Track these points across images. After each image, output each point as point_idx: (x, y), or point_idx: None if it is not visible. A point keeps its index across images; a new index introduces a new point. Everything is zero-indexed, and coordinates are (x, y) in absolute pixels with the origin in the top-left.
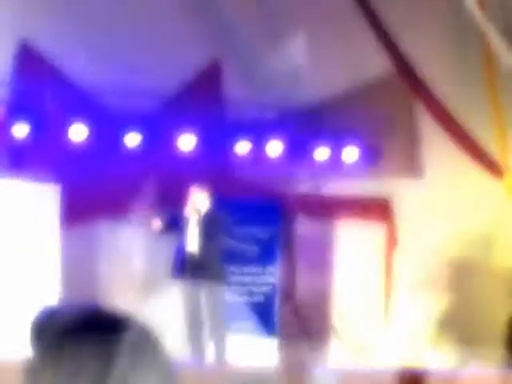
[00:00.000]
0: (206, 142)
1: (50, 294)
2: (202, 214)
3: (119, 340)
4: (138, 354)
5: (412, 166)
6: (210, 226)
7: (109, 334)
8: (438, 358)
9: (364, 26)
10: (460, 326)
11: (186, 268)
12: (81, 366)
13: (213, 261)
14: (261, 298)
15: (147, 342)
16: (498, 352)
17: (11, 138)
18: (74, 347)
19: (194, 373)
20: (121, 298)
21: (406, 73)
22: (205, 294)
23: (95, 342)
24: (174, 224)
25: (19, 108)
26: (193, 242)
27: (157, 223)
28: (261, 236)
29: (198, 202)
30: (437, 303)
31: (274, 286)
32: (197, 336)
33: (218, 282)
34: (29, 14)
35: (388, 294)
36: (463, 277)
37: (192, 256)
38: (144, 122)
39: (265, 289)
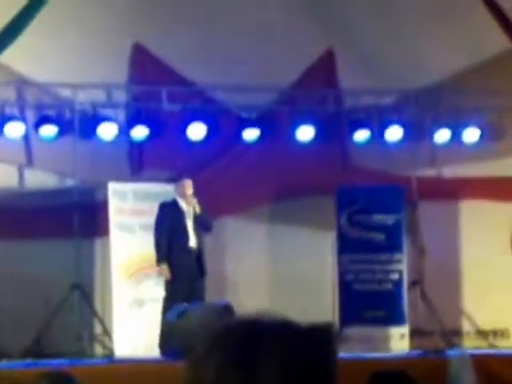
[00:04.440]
0: (324, 131)
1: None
2: (196, 209)
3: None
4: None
5: None
6: (201, 219)
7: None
8: None
9: (479, 3)
10: None
11: (189, 264)
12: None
13: (203, 255)
14: (389, 286)
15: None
16: None
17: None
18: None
19: None
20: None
21: None
22: (193, 287)
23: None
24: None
25: (138, 110)
26: (193, 238)
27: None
28: (386, 223)
29: (192, 195)
30: None
31: (401, 272)
32: None
33: (204, 274)
34: (142, 17)
35: None
36: None
37: (192, 252)
38: (262, 117)
39: (393, 276)
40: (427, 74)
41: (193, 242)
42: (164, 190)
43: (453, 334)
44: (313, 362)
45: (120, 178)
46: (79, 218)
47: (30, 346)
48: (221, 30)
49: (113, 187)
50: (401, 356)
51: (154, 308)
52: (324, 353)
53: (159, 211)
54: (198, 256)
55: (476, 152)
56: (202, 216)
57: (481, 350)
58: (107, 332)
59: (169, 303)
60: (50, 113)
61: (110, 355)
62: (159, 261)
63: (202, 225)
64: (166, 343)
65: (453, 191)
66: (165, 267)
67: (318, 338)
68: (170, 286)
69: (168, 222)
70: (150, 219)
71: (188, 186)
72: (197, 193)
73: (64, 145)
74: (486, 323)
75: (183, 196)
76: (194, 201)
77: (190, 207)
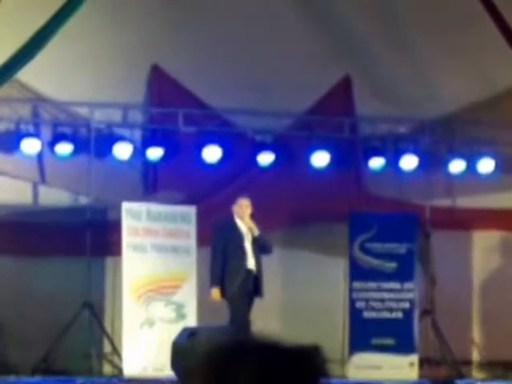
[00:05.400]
0: (339, 158)
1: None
2: (255, 230)
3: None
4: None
5: None
6: (260, 241)
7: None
8: None
9: (495, 35)
10: None
11: (246, 285)
12: None
13: (262, 277)
14: (399, 315)
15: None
16: None
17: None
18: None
19: None
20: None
21: None
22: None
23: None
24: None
25: (154, 131)
26: (251, 259)
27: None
28: (398, 251)
29: (250, 216)
30: None
31: (412, 301)
32: None
33: (260, 295)
34: (161, 39)
35: None
36: None
37: (251, 273)
38: (277, 141)
39: (403, 305)
40: (443, 104)
41: (251, 263)
42: (177, 212)
43: (463, 364)
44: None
45: (134, 198)
46: (92, 236)
47: (39, 363)
48: (239, 55)
49: (126, 207)
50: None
51: (164, 329)
52: (306, 375)
53: (215, 232)
54: (256, 278)
55: (490, 183)
56: (261, 238)
57: (490, 382)
58: (116, 351)
59: (232, 324)
60: (66, 131)
61: (118, 374)
62: (212, 284)
63: (262, 247)
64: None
65: (466, 221)
66: (216, 291)
67: (302, 361)
68: (231, 308)
69: (224, 243)
70: (163, 240)
71: (245, 205)
72: (203, 215)
73: (79, 163)
74: (496, 354)
75: (241, 216)
76: (252, 222)
77: (247, 228)
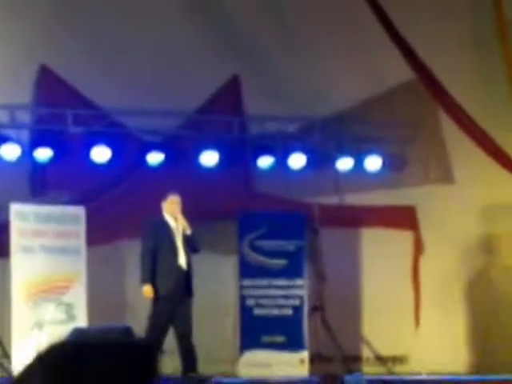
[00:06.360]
0: (228, 157)
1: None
2: (187, 228)
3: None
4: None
5: (438, 172)
6: (191, 239)
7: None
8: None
9: (383, 35)
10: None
11: (179, 284)
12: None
13: (192, 274)
14: (289, 312)
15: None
16: None
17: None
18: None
19: None
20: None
21: (427, 80)
22: (180, 306)
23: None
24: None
25: (42, 132)
26: (182, 256)
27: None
28: (287, 249)
29: (181, 213)
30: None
31: (302, 298)
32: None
33: (192, 295)
34: (49, 39)
35: (416, 303)
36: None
37: (182, 271)
38: (166, 141)
39: (293, 302)
40: (332, 102)
41: (182, 260)
42: (66, 212)
43: (352, 360)
44: (133, 379)
45: (22, 199)
46: None
47: None
48: (127, 55)
49: (14, 208)
50: (299, 381)
51: (54, 330)
52: (143, 369)
53: (144, 229)
54: (187, 275)
55: (378, 180)
56: (193, 237)
57: (380, 376)
58: (6, 354)
59: (154, 322)
60: None
61: (8, 377)
62: (142, 281)
63: (191, 245)
64: None
65: (354, 218)
66: (147, 288)
67: (138, 356)
68: (157, 305)
69: (154, 240)
70: (52, 241)
71: (176, 202)
72: (92, 216)
73: None
74: (385, 349)
75: (172, 213)
76: (184, 220)
77: (178, 224)
